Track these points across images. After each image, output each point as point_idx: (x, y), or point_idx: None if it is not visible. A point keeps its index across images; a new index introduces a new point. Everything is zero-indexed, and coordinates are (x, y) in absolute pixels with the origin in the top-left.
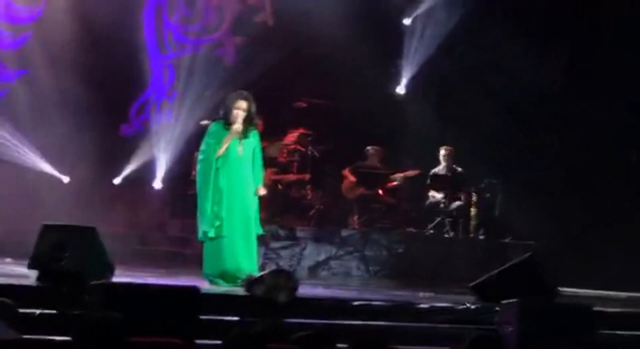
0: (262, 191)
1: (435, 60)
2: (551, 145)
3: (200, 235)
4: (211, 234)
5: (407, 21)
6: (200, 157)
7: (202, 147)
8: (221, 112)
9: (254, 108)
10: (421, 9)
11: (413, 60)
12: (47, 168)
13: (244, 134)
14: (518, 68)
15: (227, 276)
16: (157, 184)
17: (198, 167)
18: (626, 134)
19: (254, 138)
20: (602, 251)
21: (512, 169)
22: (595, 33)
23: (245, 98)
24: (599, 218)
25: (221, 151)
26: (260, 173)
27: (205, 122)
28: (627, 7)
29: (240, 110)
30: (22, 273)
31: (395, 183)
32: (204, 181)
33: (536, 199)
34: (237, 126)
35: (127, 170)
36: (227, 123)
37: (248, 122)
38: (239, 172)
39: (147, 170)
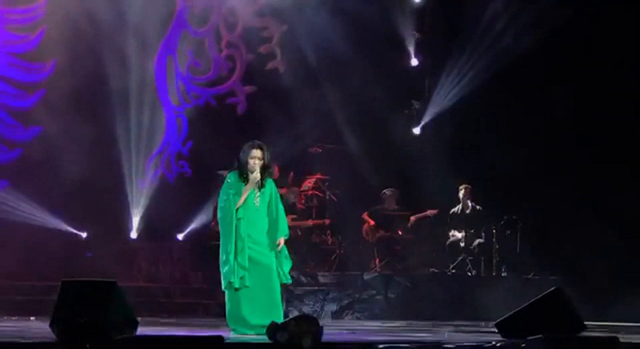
0: (281, 243)
1: (451, 101)
2: (571, 179)
3: (224, 285)
4: (236, 284)
5: (414, 62)
6: (220, 208)
7: (222, 197)
8: (236, 163)
9: (268, 156)
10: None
11: (430, 101)
12: (62, 225)
13: (262, 183)
14: (531, 108)
15: (251, 325)
16: (180, 236)
17: (220, 218)
18: None
19: (270, 187)
20: (623, 284)
21: (532, 205)
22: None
23: (259, 147)
24: (617, 250)
25: (241, 201)
26: (284, 223)
27: (223, 172)
28: None
29: (256, 159)
30: (45, 331)
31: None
32: (227, 232)
33: (556, 234)
34: (255, 176)
35: (141, 224)
36: (244, 173)
37: (264, 170)
38: (258, 222)
39: (166, 222)
